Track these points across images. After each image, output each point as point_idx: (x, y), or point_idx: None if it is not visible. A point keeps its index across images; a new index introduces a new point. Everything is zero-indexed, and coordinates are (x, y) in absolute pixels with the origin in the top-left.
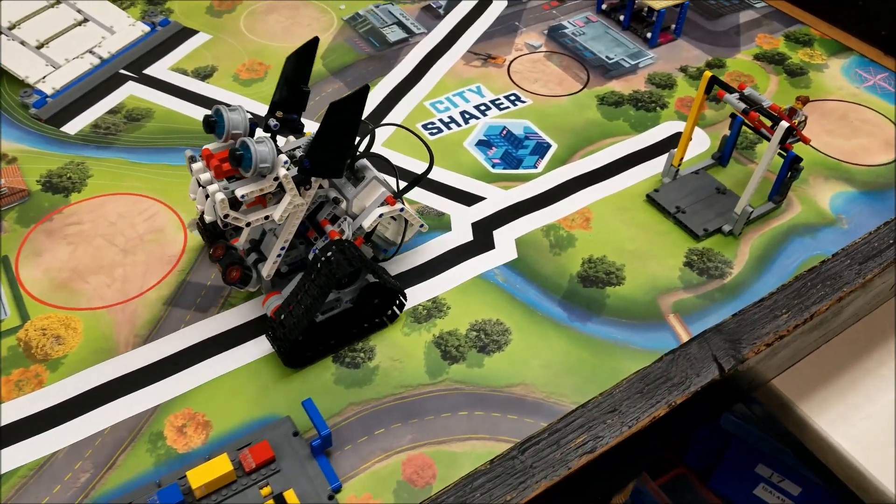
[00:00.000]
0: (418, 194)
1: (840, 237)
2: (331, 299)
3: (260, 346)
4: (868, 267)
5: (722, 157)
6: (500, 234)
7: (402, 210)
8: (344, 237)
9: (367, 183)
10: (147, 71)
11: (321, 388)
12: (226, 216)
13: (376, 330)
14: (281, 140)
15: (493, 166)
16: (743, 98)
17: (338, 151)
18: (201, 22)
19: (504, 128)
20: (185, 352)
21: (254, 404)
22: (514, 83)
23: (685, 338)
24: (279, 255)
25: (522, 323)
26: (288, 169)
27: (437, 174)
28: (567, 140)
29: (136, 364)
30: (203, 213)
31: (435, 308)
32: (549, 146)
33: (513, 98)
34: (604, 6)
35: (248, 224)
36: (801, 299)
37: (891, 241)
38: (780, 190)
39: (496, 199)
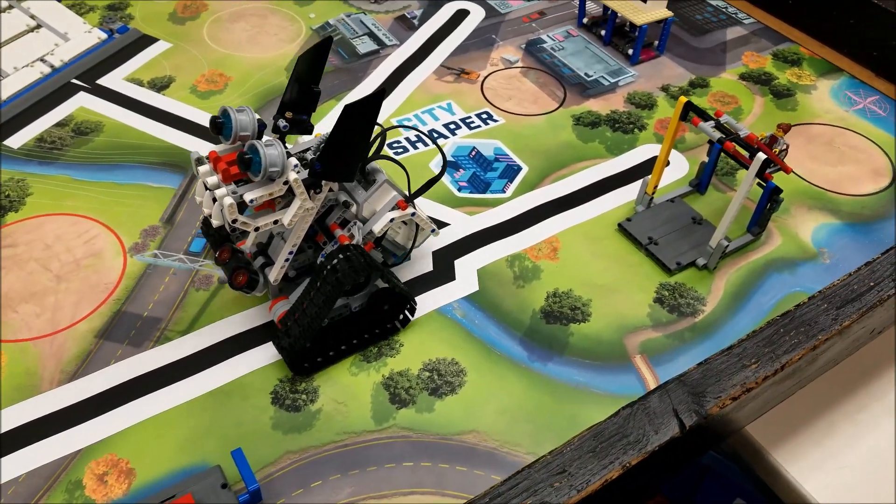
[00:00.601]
0: None
1: (821, 273)
2: (339, 304)
3: (194, 385)
4: (846, 312)
5: (700, 184)
6: (461, 264)
7: (413, 214)
8: (354, 242)
9: (379, 186)
10: (100, 81)
11: (257, 433)
12: (234, 221)
13: (388, 336)
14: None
15: (460, 189)
16: (719, 126)
17: (350, 155)
18: (162, 29)
19: (473, 148)
20: (113, 390)
21: (183, 450)
22: (487, 100)
23: (651, 381)
24: (287, 260)
25: (479, 363)
26: (298, 172)
27: None
28: (539, 163)
29: (59, 403)
30: (207, 216)
31: (386, 345)
32: (519, 169)
33: (485, 116)
34: (585, 20)
35: (256, 229)
36: (772, 347)
37: (871, 284)
38: (759, 221)
39: (460, 225)
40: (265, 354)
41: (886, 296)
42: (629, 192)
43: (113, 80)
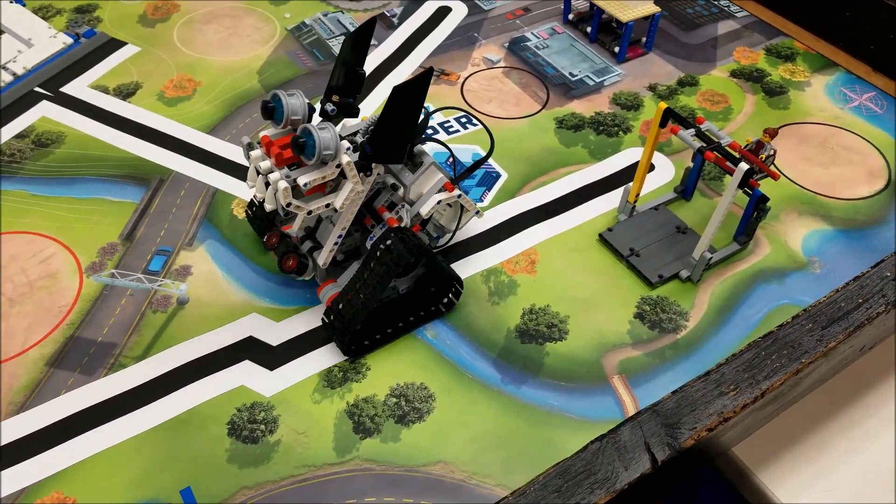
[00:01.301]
0: None
1: (810, 284)
2: (389, 290)
3: (149, 416)
4: (832, 332)
5: (685, 190)
6: None
7: (459, 196)
8: (402, 224)
9: (426, 169)
10: (64, 89)
11: (212, 467)
12: (288, 205)
13: (432, 318)
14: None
15: None
16: (700, 134)
17: (400, 137)
18: (131, 32)
19: (451, 155)
20: (62, 423)
21: (135, 487)
22: (467, 103)
23: (629, 404)
24: (336, 243)
25: (450, 387)
26: (350, 155)
27: None
28: (519, 169)
29: (5, 437)
30: (252, 200)
31: (352, 369)
32: (498, 176)
33: (464, 121)
34: (571, 16)
35: (309, 212)
36: (753, 372)
37: (859, 301)
38: (745, 230)
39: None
40: (224, 380)
41: (875, 313)
42: (612, 200)
43: (77, 87)
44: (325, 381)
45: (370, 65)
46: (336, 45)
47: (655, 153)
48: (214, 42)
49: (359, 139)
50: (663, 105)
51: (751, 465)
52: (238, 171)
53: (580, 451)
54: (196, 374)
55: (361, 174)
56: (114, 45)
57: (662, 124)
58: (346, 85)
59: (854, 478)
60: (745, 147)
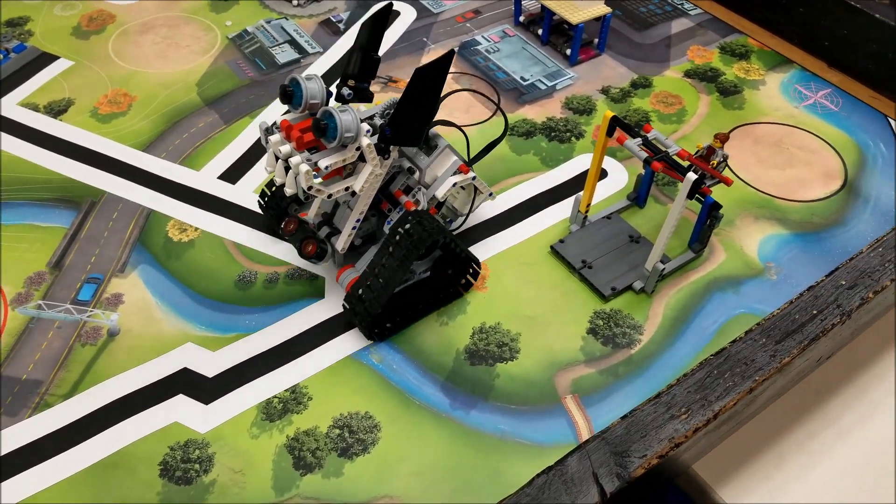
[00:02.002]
0: (292, 254)
1: (767, 291)
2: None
3: (76, 458)
4: (786, 347)
5: (638, 197)
6: None
7: (474, 178)
8: (419, 207)
9: (441, 152)
10: None
11: None
12: (310, 188)
13: (451, 300)
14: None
15: None
16: (646, 144)
17: (420, 119)
18: (64, 46)
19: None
20: None
21: None
22: None
23: (581, 426)
24: (354, 228)
25: (395, 415)
26: (369, 138)
27: None
28: None
29: None
30: (263, 190)
31: (293, 400)
32: None
33: None
34: (522, 18)
35: (329, 196)
36: (704, 393)
37: (814, 313)
38: (699, 238)
39: None
40: (157, 417)
41: (830, 325)
42: (564, 209)
43: (6, 106)
44: (264, 414)
45: (316, 72)
46: (280, 54)
47: (608, 159)
48: (151, 54)
49: (377, 122)
50: (609, 113)
51: (711, 482)
52: (174, 190)
53: (525, 485)
54: (127, 412)
55: (380, 157)
56: (45, 59)
57: (610, 133)
58: (362, 70)
59: (815, 488)
60: (696, 153)
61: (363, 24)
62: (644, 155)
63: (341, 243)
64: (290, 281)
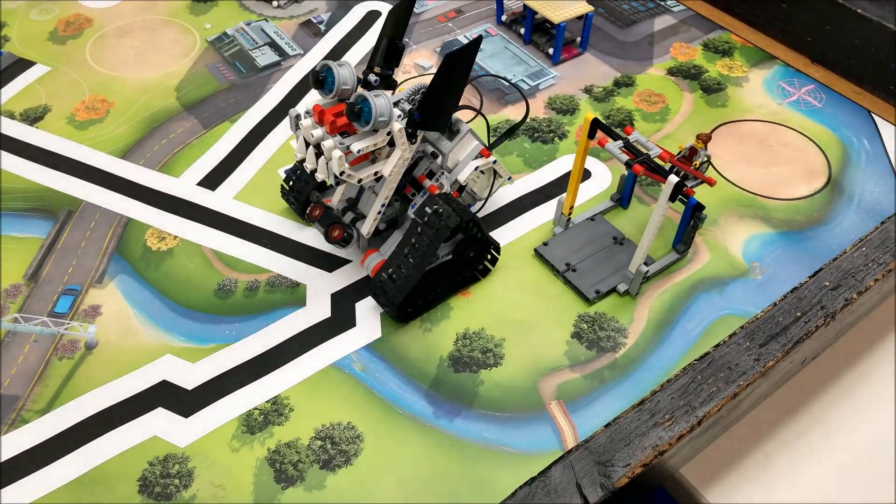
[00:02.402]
0: (273, 261)
1: (752, 292)
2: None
3: (53, 476)
4: (770, 351)
5: (622, 198)
6: (363, 307)
7: (494, 162)
8: (443, 191)
9: (463, 136)
10: None
11: None
12: (341, 173)
13: (470, 284)
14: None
15: None
16: (628, 146)
17: (448, 104)
18: (41, 51)
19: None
20: None
21: None
22: None
23: (567, 432)
24: (380, 212)
25: (379, 425)
26: (400, 122)
27: (294, 233)
28: None
29: None
30: (284, 179)
31: (274, 411)
32: None
33: None
34: (504, 17)
35: (359, 181)
36: (688, 399)
37: (797, 315)
38: (683, 239)
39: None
40: (136, 432)
41: (815, 327)
42: (548, 211)
43: None
44: (245, 427)
45: (296, 75)
46: (260, 56)
47: (592, 160)
48: (129, 58)
49: (405, 107)
50: (591, 115)
51: (698, 485)
52: (151, 197)
53: (509, 496)
54: (105, 427)
55: (408, 142)
56: (22, 65)
57: (591, 135)
58: (387, 57)
59: (803, 487)
60: (679, 154)
61: (390, 12)
62: (625, 158)
63: (367, 228)
64: (271, 289)
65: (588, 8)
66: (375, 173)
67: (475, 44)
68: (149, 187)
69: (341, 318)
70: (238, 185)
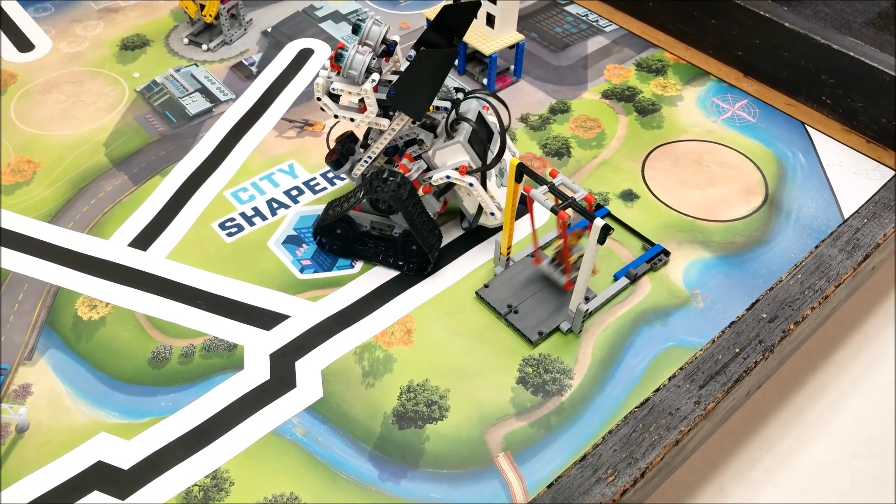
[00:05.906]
0: (208, 323)
1: (695, 320)
2: (384, 222)
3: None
4: (710, 392)
5: None
6: (303, 366)
7: (471, 185)
8: (408, 174)
9: (452, 143)
10: None
11: None
12: (318, 98)
13: (401, 271)
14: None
15: (302, 270)
16: (553, 191)
17: (419, 94)
18: None
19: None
20: None
21: None
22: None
23: (515, 486)
24: (366, 163)
25: (323, 494)
26: (376, 90)
27: (231, 290)
28: None
29: None
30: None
31: (214, 486)
32: None
33: (331, 176)
34: None
35: (335, 115)
36: (630, 450)
37: (736, 351)
38: (630, 275)
39: (302, 315)
40: None
41: (753, 362)
42: (489, 250)
43: None
44: (184, 501)
45: (229, 121)
46: (190, 104)
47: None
48: (55, 114)
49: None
50: (515, 161)
51: None
52: (81, 262)
53: None
54: None
55: (387, 112)
56: None
57: (518, 179)
58: (435, 45)
59: None
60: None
61: (450, 7)
62: (551, 204)
63: (350, 167)
64: (207, 353)
65: (518, 37)
66: (352, 119)
67: (452, 51)
68: (78, 252)
69: (281, 379)
70: (171, 243)
